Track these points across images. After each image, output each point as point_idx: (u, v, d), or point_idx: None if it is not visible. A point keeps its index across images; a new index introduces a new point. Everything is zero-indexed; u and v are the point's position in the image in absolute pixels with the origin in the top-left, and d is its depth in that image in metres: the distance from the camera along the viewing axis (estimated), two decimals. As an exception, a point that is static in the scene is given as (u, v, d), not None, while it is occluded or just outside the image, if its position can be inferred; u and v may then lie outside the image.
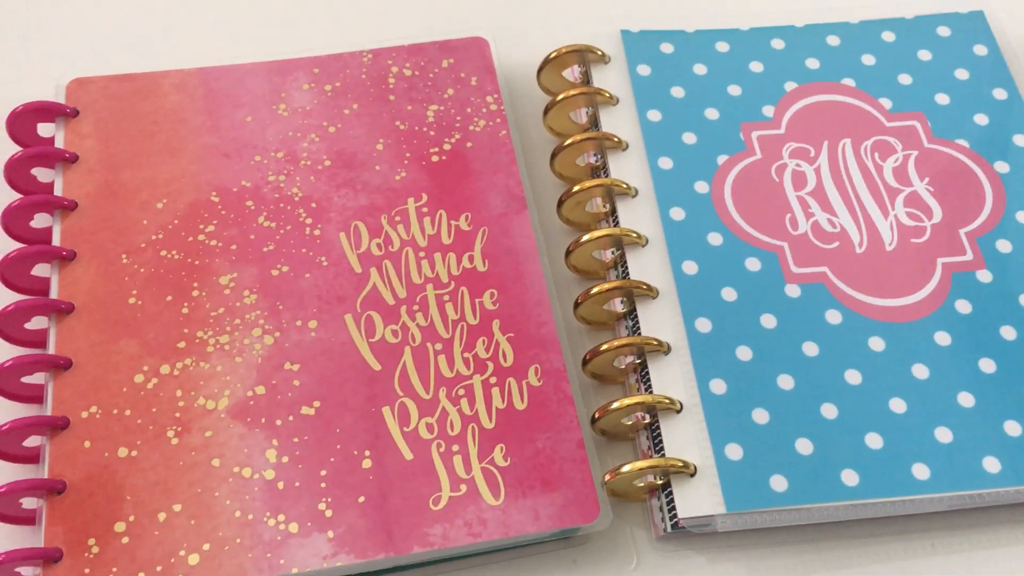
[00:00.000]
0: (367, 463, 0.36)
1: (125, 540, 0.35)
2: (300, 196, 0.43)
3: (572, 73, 0.47)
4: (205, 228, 0.42)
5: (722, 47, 0.47)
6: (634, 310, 0.40)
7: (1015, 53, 0.47)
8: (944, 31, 0.48)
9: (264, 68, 0.46)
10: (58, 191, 0.42)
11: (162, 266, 0.41)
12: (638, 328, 0.40)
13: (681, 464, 0.36)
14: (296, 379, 0.38)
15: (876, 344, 0.39)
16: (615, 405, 0.37)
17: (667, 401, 0.37)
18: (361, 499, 0.36)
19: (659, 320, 0.40)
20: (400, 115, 0.45)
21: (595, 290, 0.40)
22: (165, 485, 0.36)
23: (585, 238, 0.41)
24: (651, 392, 0.38)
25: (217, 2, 0.51)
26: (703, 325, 0.39)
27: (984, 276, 0.41)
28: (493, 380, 0.38)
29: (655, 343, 0.38)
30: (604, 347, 0.38)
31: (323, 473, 0.36)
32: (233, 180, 0.43)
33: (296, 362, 0.39)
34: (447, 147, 0.44)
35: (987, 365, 0.39)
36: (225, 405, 0.37)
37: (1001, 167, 0.44)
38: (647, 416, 0.38)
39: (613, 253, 0.42)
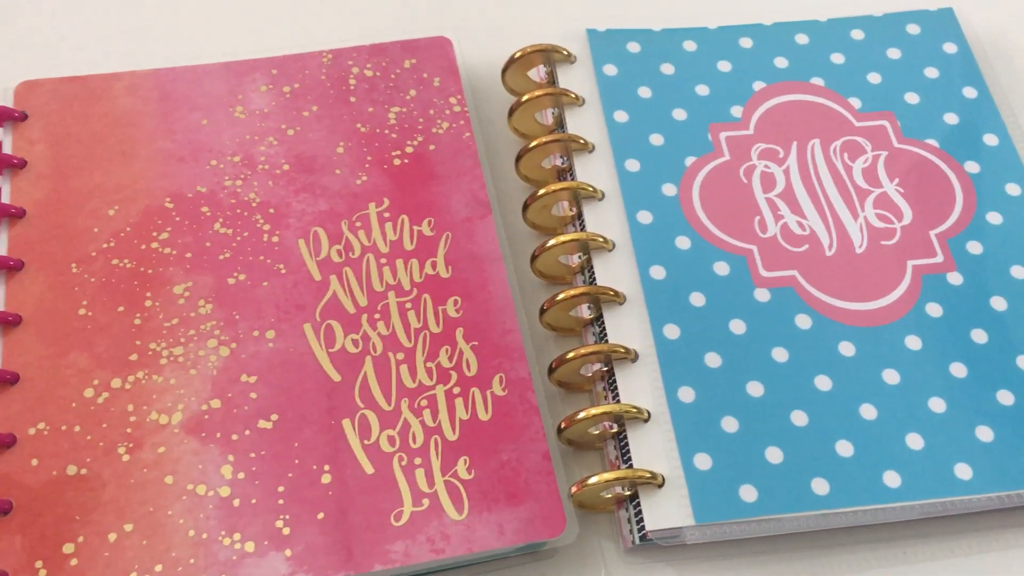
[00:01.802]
0: (326, 478, 0.35)
1: (74, 562, 0.34)
2: (258, 201, 0.41)
3: (538, 73, 0.47)
4: (159, 235, 0.40)
5: (690, 46, 0.46)
6: (601, 316, 0.39)
7: (984, 50, 0.47)
8: (913, 29, 0.47)
9: (221, 69, 0.45)
10: (5, 198, 0.41)
11: (114, 275, 0.39)
12: (605, 335, 0.39)
13: (649, 475, 0.35)
14: (253, 391, 0.37)
15: (846, 349, 0.38)
16: (581, 415, 0.36)
17: (634, 411, 0.36)
18: (320, 515, 0.35)
19: (626, 326, 0.39)
20: (361, 117, 0.44)
21: (561, 296, 0.39)
22: (116, 504, 0.35)
23: (551, 243, 0.40)
24: (618, 400, 0.37)
25: (172, 2, 0.49)
26: (671, 331, 0.38)
27: (955, 278, 0.40)
28: (456, 390, 0.37)
29: (622, 351, 0.38)
30: (570, 355, 0.38)
31: (281, 489, 0.35)
32: (188, 185, 0.42)
33: (253, 374, 0.37)
34: (409, 150, 0.43)
35: (958, 370, 0.38)
36: (179, 420, 0.36)
37: (971, 167, 0.43)
38: (614, 425, 0.37)
39: (580, 258, 0.41)
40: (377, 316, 0.39)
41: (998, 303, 0.40)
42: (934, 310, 0.39)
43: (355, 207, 0.42)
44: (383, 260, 0.40)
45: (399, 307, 0.39)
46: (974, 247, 0.41)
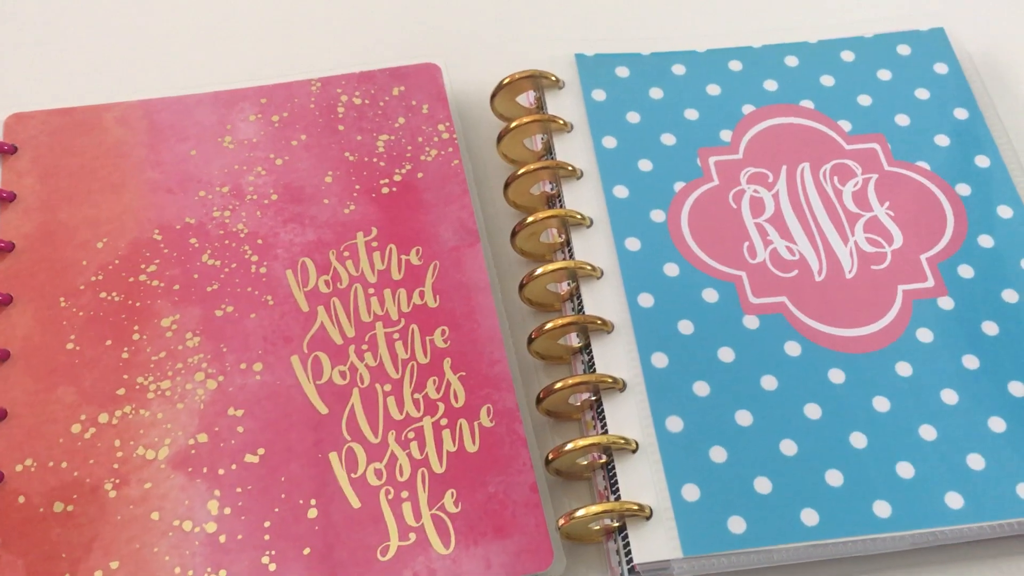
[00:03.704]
0: (313, 512, 0.35)
1: (60, 600, 0.34)
2: (246, 232, 0.41)
3: (527, 98, 0.46)
4: (147, 268, 0.40)
5: (678, 70, 0.46)
6: (589, 344, 0.39)
7: (976, 70, 0.47)
8: (904, 50, 0.47)
9: (209, 99, 0.45)
10: (-6, 232, 0.41)
11: (102, 309, 0.39)
12: (593, 364, 0.39)
13: (636, 507, 0.35)
14: (240, 425, 0.37)
15: (836, 376, 0.38)
16: (569, 447, 0.36)
17: (622, 442, 0.36)
18: (306, 551, 0.34)
19: (614, 355, 0.38)
20: (350, 146, 0.44)
21: (548, 326, 0.39)
22: (102, 541, 0.35)
23: (539, 271, 0.40)
24: (607, 430, 0.37)
25: (161, 32, 0.50)
26: (659, 360, 0.38)
27: (945, 303, 0.40)
28: (444, 422, 0.37)
29: (609, 380, 0.37)
30: (558, 385, 0.37)
31: (267, 524, 0.35)
32: (176, 217, 0.42)
33: (240, 407, 0.37)
34: (398, 178, 0.43)
35: (949, 396, 0.38)
36: (165, 455, 0.36)
37: (962, 189, 0.43)
38: (603, 455, 0.37)
39: (568, 285, 0.41)
40: (365, 347, 0.39)
41: (989, 328, 0.39)
42: (925, 335, 0.39)
43: (343, 237, 0.42)
44: (371, 290, 0.40)
45: (387, 338, 0.39)
46: (965, 271, 0.41)
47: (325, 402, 0.38)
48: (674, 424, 0.37)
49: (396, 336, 0.39)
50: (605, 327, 0.39)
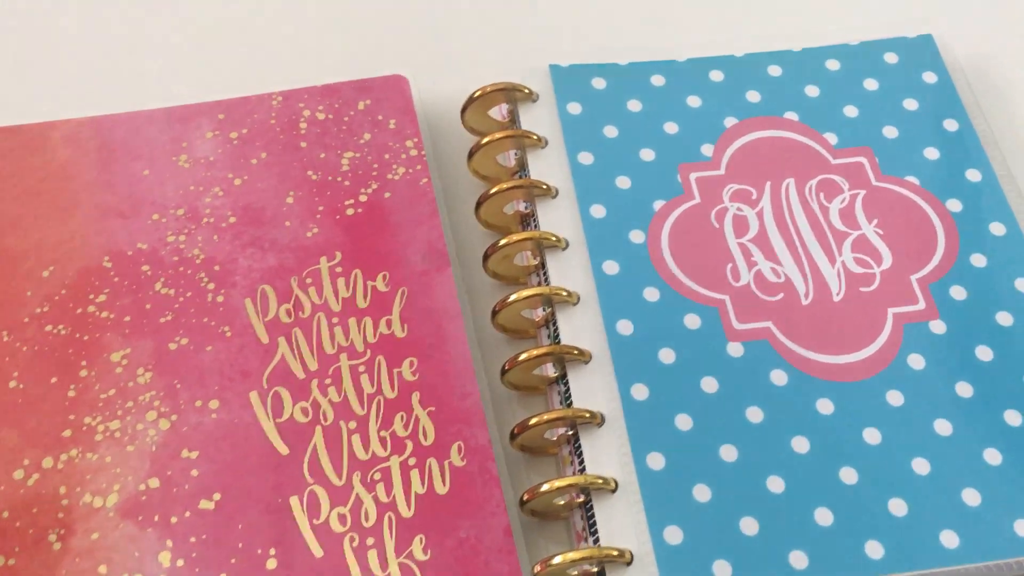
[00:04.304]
0: (272, 563, 0.33)
1: (1, 663, 0.31)
2: (202, 258, 0.39)
3: (500, 111, 0.44)
4: (96, 298, 0.38)
5: (657, 81, 0.44)
6: (566, 374, 0.37)
7: (965, 78, 0.45)
8: (891, 58, 0.45)
9: (164, 115, 0.43)
10: (-68, 261, 0.39)
11: (47, 343, 0.37)
12: (570, 396, 0.37)
13: (616, 553, 0.33)
14: (194, 468, 0.35)
15: (824, 407, 0.36)
16: (545, 487, 0.34)
17: (600, 481, 0.34)
18: (266, 604, 0.32)
19: (592, 387, 0.37)
20: (313, 164, 0.42)
21: (523, 357, 0.37)
22: (46, 598, 0.32)
23: (512, 298, 0.38)
24: (584, 468, 0.35)
25: (112, 44, 0.47)
26: (639, 392, 0.36)
27: (937, 327, 0.38)
28: (412, 461, 0.35)
29: (587, 415, 0.35)
30: (533, 421, 0.35)
31: (223, 576, 0.33)
32: (128, 242, 0.39)
33: (195, 448, 0.35)
34: (363, 198, 0.41)
35: (943, 427, 0.36)
36: (114, 502, 0.34)
37: (953, 205, 0.41)
38: (581, 495, 0.35)
39: (544, 310, 0.39)
40: (328, 381, 0.37)
41: (983, 353, 0.38)
42: (916, 362, 0.37)
43: (305, 262, 0.39)
44: (335, 319, 0.38)
45: (351, 371, 0.37)
46: (957, 292, 0.39)
47: (286, 442, 0.35)
48: (655, 461, 0.35)
49: (362, 369, 0.37)
50: (582, 357, 0.37)
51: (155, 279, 0.39)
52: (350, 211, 0.41)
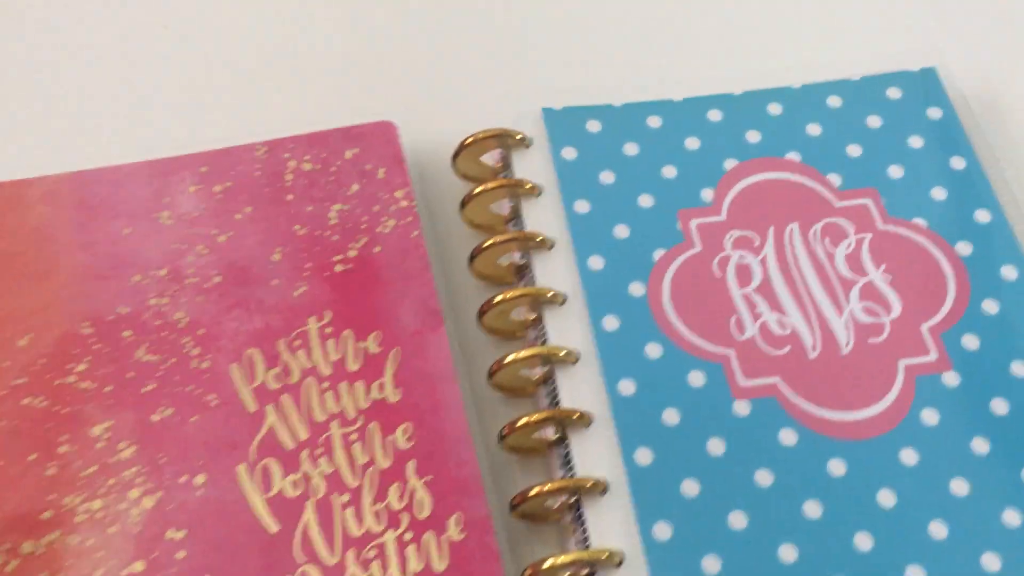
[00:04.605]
0: (264, 651, 0.32)
1: None
2: (186, 322, 0.38)
3: (493, 157, 0.43)
4: (75, 367, 0.36)
5: (654, 122, 0.43)
6: (567, 438, 0.36)
7: (971, 113, 0.44)
8: (895, 93, 0.44)
9: (145, 169, 0.41)
10: (-96, 332, 0.37)
11: (25, 418, 0.35)
12: (571, 461, 0.35)
13: (623, 634, 0.32)
14: (181, 550, 0.33)
15: (836, 467, 0.35)
16: (547, 565, 0.33)
17: (605, 556, 0.33)
18: None
19: (594, 452, 0.35)
20: (299, 217, 0.40)
21: (521, 422, 0.35)
22: None
23: (509, 358, 0.36)
24: (588, 540, 0.34)
25: (90, 96, 0.46)
26: (643, 456, 0.35)
27: (951, 379, 0.37)
28: (408, 536, 0.34)
29: (590, 484, 0.34)
30: (533, 491, 0.34)
31: (212, 667, 0.31)
32: (108, 307, 0.38)
33: (181, 528, 0.34)
34: (353, 253, 0.40)
35: (959, 486, 0.35)
36: (98, 589, 0.32)
37: (963, 248, 0.40)
38: (586, 569, 0.34)
39: (542, 369, 0.38)
40: (319, 451, 0.35)
41: (999, 406, 0.36)
42: (930, 417, 0.36)
43: (293, 323, 0.38)
44: (325, 384, 0.37)
45: (343, 439, 0.35)
46: (970, 341, 0.38)
47: (276, 518, 0.34)
48: (662, 531, 0.33)
49: (354, 437, 0.36)
50: (583, 421, 0.35)
51: (137, 345, 0.37)
52: (339, 267, 0.39)
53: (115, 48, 0.47)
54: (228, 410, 0.36)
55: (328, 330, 0.38)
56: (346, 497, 0.34)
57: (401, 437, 0.36)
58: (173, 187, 0.41)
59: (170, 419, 0.36)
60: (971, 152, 0.42)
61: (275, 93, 0.46)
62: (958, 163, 0.42)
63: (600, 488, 0.34)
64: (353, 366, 0.37)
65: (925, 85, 0.44)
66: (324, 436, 0.36)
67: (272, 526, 0.34)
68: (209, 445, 0.35)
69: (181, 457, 0.35)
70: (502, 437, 0.36)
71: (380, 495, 0.34)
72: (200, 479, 0.35)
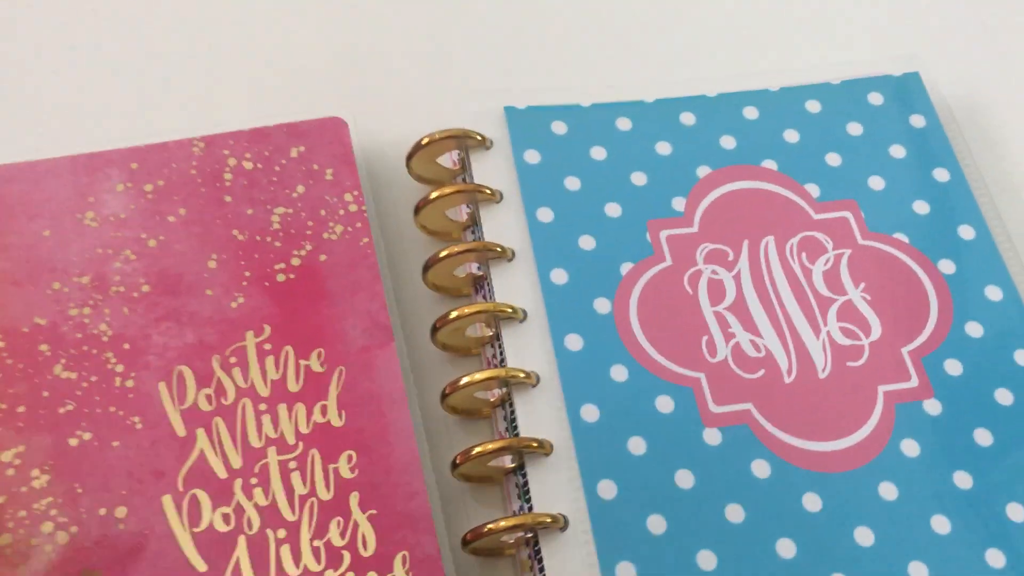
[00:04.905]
0: None
1: None
2: (109, 335, 0.34)
3: (451, 157, 0.40)
4: (-16, 385, 0.33)
5: (624, 124, 0.40)
6: (524, 466, 0.33)
7: (955, 121, 0.41)
8: (876, 99, 0.42)
9: (68, 165, 0.38)
10: None
11: (-74, 441, 0.32)
12: (529, 492, 0.33)
13: None
14: (97, 592, 0.30)
15: (811, 503, 0.33)
16: (500, 609, 0.30)
17: (564, 601, 0.30)
18: None
19: (555, 485, 0.33)
20: (239, 221, 0.37)
21: (476, 451, 0.32)
22: None
23: (464, 381, 0.34)
24: (545, 580, 0.31)
25: (7, 79, 0.42)
26: (607, 490, 0.32)
27: (932, 407, 0.35)
28: (350, 577, 0.31)
29: (548, 520, 0.31)
30: (488, 527, 0.31)
31: None
32: (23, 317, 0.34)
33: (98, 566, 0.30)
34: (296, 262, 0.36)
35: (940, 524, 0.33)
36: (1, 636, 0.29)
37: (946, 267, 0.38)
38: (541, 611, 0.31)
39: (501, 390, 0.35)
40: (254, 481, 0.32)
41: (982, 437, 0.34)
42: (910, 448, 0.34)
43: (229, 338, 0.35)
44: (262, 406, 0.34)
45: (281, 468, 0.32)
46: (953, 367, 0.36)
47: (204, 556, 0.31)
48: (626, 572, 0.31)
49: (293, 465, 0.33)
50: (543, 450, 0.33)
51: (54, 361, 0.34)
52: (281, 277, 0.36)
53: (39, 30, 0.43)
54: (154, 434, 0.33)
55: (267, 346, 0.35)
56: (283, 532, 0.31)
57: (345, 466, 0.33)
58: (99, 185, 0.37)
59: (89, 444, 0.32)
60: (955, 163, 0.40)
61: (215, 85, 0.43)
62: (941, 175, 0.40)
63: (560, 524, 0.32)
64: (294, 386, 0.34)
65: (908, 91, 0.42)
66: (260, 464, 0.33)
67: (200, 565, 0.31)
68: (132, 474, 0.32)
69: (100, 487, 0.32)
70: (455, 466, 0.33)
71: (320, 530, 0.31)
72: (121, 511, 0.31)
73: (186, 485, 0.32)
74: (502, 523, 0.31)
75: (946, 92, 0.42)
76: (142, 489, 0.32)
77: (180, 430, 0.33)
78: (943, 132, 0.41)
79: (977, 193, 0.40)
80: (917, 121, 0.41)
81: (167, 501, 0.32)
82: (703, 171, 0.39)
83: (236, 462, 0.32)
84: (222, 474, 0.32)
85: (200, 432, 0.33)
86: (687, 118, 0.41)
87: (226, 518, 0.32)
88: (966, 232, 0.39)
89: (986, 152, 0.42)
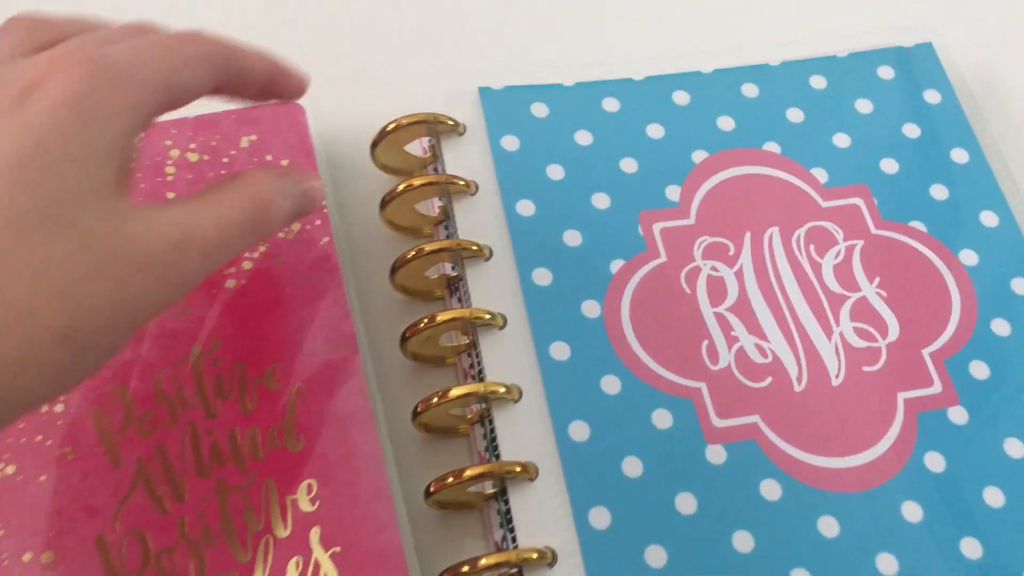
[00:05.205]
0: None
1: None
2: (37, 353, 0.31)
3: (420, 145, 0.36)
4: None
5: (611, 105, 0.36)
6: (506, 491, 0.30)
7: (973, 97, 0.38)
8: (886, 72, 0.38)
9: (-10, 160, 0.34)
10: None
11: None
12: (512, 522, 0.29)
13: None
14: (20, 652, 0.26)
15: (828, 527, 0.29)
16: (482, 659, 0.27)
17: (553, 648, 0.27)
18: None
19: (540, 513, 0.29)
20: (183, 220, 0.33)
21: (451, 480, 0.29)
22: None
23: (438, 398, 0.30)
24: (532, 624, 0.28)
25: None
26: (599, 518, 0.29)
27: (957, 415, 0.31)
28: (311, 626, 0.27)
29: (535, 556, 0.28)
30: (465, 569, 0.28)
31: None
32: (-62, 335, 0.31)
33: (22, 621, 0.27)
34: (248, 266, 0.33)
35: (971, 548, 0.29)
36: None
37: (967, 257, 0.34)
38: (528, 658, 0.28)
39: (479, 406, 0.31)
40: (200, 517, 0.28)
41: (1014, 448, 0.31)
42: (935, 462, 0.31)
43: (173, 353, 0.31)
44: (210, 430, 0.30)
45: (231, 502, 0.29)
46: (979, 369, 0.32)
47: (144, 606, 0.27)
48: (622, 613, 0.28)
49: (245, 498, 0.29)
50: (527, 474, 0.29)
51: (-27, 384, 0.30)
52: (231, 283, 0.32)
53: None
54: (87, 466, 0.29)
55: (215, 363, 0.31)
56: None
57: (304, 497, 0.29)
58: (26, 182, 0.33)
59: (12, 478, 0.29)
60: (974, 143, 0.37)
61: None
62: (960, 156, 0.36)
63: (547, 559, 0.28)
64: (246, 407, 0.30)
65: (921, 63, 0.38)
66: (207, 497, 0.29)
67: (139, 617, 0.27)
68: (63, 512, 0.28)
69: (25, 528, 0.28)
70: (429, 493, 0.30)
71: (277, 572, 0.28)
72: (47, 557, 0.28)
73: (123, 524, 0.28)
74: (483, 560, 0.28)
75: (962, 63, 0.39)
76: (73, 529, 0.28)
77: (116, 461, 0.29)
78: (960, 108, 0.37)
79: (999, 175, 0.36)
80: (932, 96, 0.38)
81: (101, 542, 0.28)
82: (699, 156, 0.36)
83: (181, 496, 0.29)
84: (164, 510, 0.28)
85: (139, 463, 0.29)
86: (680, 97, 0.37)
87: (169, 561, 0.28)
88: (988, 219, 0.35)
89: (1008, 130, 0.39)
